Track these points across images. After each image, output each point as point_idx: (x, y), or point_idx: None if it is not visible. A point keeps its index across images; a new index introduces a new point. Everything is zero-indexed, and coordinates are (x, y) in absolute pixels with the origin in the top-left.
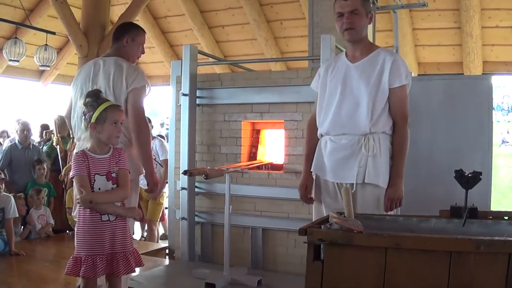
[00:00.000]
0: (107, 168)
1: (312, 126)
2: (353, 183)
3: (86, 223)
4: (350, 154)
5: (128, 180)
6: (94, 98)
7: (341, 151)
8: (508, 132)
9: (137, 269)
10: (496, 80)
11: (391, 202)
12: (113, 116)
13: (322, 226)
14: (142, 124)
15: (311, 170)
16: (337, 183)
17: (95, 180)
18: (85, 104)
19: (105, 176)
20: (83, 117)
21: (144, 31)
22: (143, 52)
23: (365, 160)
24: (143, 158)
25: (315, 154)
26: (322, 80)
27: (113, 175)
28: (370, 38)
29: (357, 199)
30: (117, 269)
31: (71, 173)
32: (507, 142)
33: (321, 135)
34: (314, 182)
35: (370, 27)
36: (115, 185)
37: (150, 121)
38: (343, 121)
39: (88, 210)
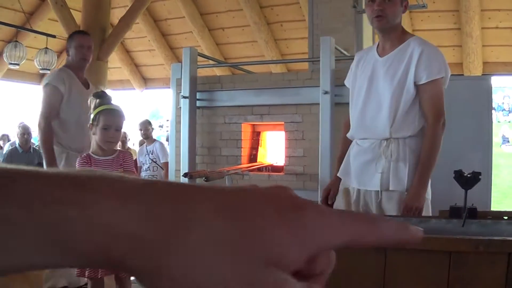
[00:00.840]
0: (109, 170)
1: (347, 127)
2: (378, 191)
3: None
4: (372, 159)
5: None
6: (96, 98)
7: (363, 155)
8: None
9: None
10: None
11: (408, 210)
12: (105, 120)
13: None
14: (40, 123)
15: (338, 174)
16: (360, 190)
17: None
18: (90, 103)
19: None
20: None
21: (78, 34)
22: (85, 53)
23: (387, 166)
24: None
25: (345, 158)
26: (353, 75)
27: None
28: (370, 40)
29: (384, 207)
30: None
31: None
32: (508, 142)
33: (352, 138)
34: (339, 190)
35: (369, 29)
36: None
37: (150, 123)
38: (366, 125)
39: None
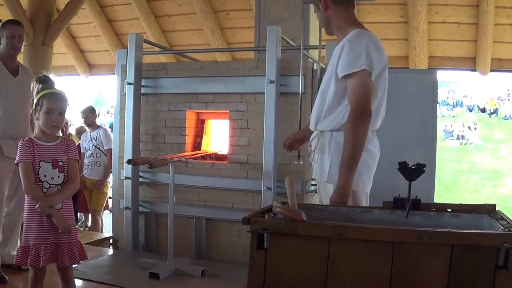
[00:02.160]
0: (53, 155)
1: None
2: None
3: (32, 212)
4: (312, 150)
5: (78, 171)
6: (39, 83)
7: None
8: (451, 126)
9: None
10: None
11: (332, 201)
12: (48, 104)
13: (265, 216)
14: None
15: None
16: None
17: (40, 167)
18: (33, 89)
19: (50, 164)
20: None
21: (10, 24)
22: (15, 43)
23: (317, 157)
24: None
25: None
26: None
27: (60, 163)
28: (316, 30)
29: (320, 195)
30: (62, 259)
31: (15, 160)
32: (451, 135)
33: None
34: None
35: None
36: (61, 174)
37: (92, 111)
38: (310, 117)
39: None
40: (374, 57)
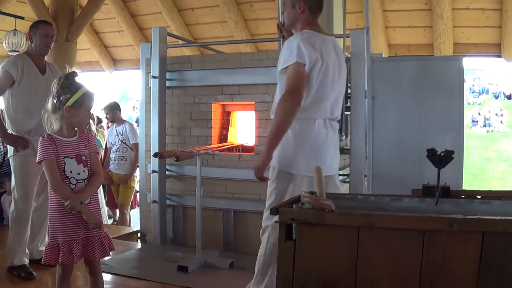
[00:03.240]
0: (75, 150)
1: None
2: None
3: (60, 209)
4: None
5: (100, 163)
6: (70, 80)
7: None
8: (479, 114)
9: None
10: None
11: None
12: (89, 103)
13: (293, 206)
14: None
15: None
16: None
17: (65, 163)
18: (61, 85)
19: (74, 159)
20: (56, 98)
21: (43, 23)
22: (49, 41)
23: None
24: None
25: None
26: None
27: (83, 158)
28: (340, 20)
29: None
30: (93, 254)
31: (37, 158)
32: (477, 124)
33: None
34: None
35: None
36: (86, 168)
37: (116, 107)
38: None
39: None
40: (306, 51)
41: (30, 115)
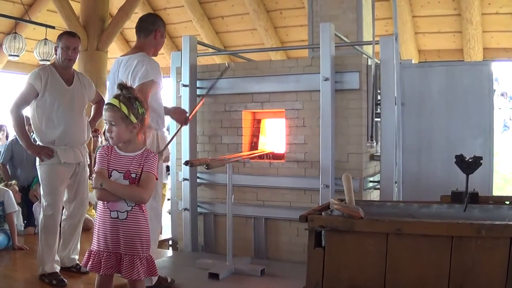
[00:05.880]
0: (127, 167)
1: None
2: None
3: (99, 217)
4: None
5: (151, 184)
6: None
7: None
8: (510, 119)
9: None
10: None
11: None
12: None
13: (323, 213)
14: (12, 109)
15: None
16: None
17: (111, 176)
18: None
19: (122, 174)
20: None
21: (65, 35)
22: (70, 55)
23: None
24: None
25: None
26: None
27: (133, 175)
28: (370, 26)
29: None
30: (125, 272)
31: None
32: (508, 127)
33: None
34: None
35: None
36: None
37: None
38: None
39: (101, 204)
40: None
41: (54, 125)
